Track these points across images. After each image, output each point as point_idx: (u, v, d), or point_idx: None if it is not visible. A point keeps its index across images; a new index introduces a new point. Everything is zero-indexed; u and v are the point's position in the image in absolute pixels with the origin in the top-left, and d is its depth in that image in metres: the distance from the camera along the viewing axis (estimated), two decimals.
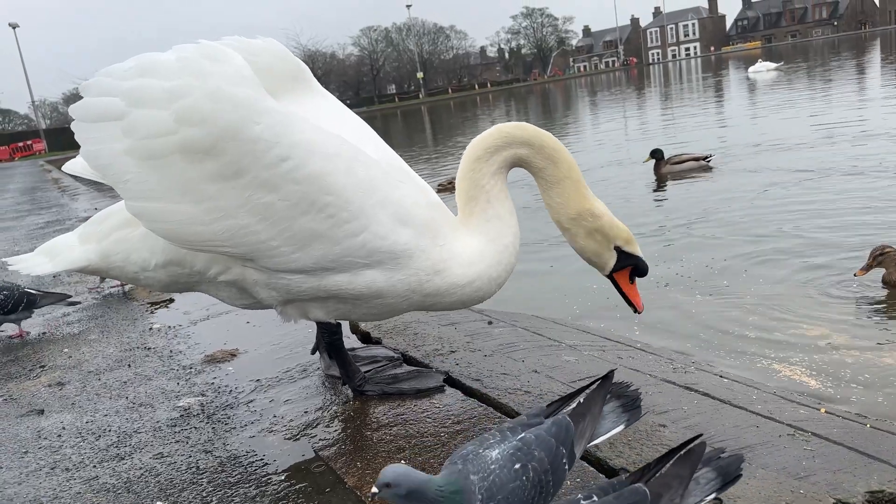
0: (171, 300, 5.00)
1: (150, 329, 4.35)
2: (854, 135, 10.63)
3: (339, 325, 2.70)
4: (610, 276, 2.62)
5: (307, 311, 2.53)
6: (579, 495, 1.43)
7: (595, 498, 1.39)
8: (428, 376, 2.88)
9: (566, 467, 1.51)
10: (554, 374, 2.93)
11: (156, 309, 4.86)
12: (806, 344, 3.62)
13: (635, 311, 2.66)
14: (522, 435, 1.52)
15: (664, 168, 10.09)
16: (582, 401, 1.67)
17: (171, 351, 3.83)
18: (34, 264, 2.63)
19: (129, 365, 3.68)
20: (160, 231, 2.26)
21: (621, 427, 1.70)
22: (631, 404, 1.75)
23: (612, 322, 4.41)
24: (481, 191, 2.50)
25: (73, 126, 2.24)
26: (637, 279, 2.61)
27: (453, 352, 3.23)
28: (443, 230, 2.47)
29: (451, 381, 2.88)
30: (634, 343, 3.70)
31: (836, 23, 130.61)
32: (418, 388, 2.80)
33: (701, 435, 1.66)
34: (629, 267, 2.58)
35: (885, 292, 4.38)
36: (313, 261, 2.29)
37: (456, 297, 2.51)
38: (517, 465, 1.47)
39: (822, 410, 2.64)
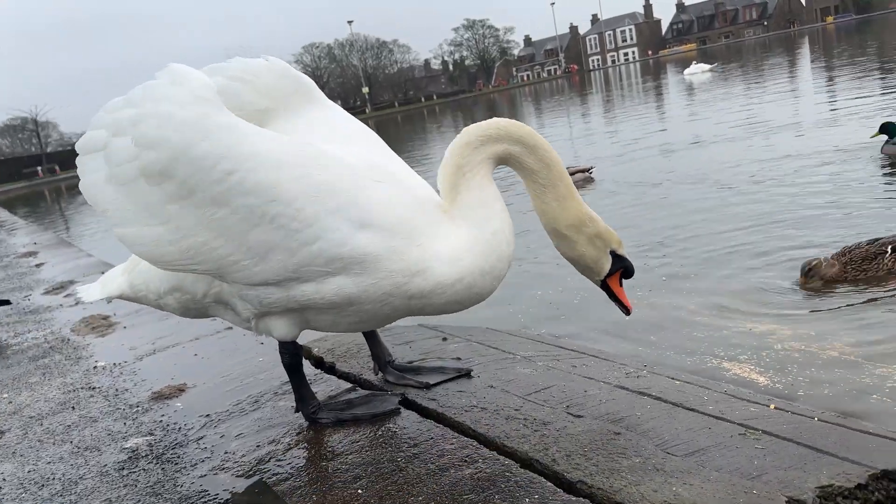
0: (112, 332, 4.85)
1: (95, 367, 4.21)
2: (790, 131, 10.97)
3: (300, 347, 2.65)
4: (602, 282, 2.61)
5: (275, 326, 2.50)
6: None
7: None
8: (383, 400, 2.84)
9: None
10: (509, 388, 2.92)
11: (100, 346, 4.70)
12: (754, 341, 3.70)
13: (627, 313, 2.64)
14: None
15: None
16: None
17: (116, 389, 3.71)
18: (89, 291, 2.90)
19: (73, 407, 3.55)
20: (139, 254, 2.41)
21: None
22: None
23: (562, 327, 4.44)
24: (464, 178, 2.42)
25: (77, 161, 2.42)
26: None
27: None
28: (422, 228, 2.35)
29: (407, 403, 2.85)
30: (588, 350, 3.72)
31: (766, 23, 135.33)
32: (373, 412, 2.75)
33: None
34: (619, 270, 2.59)
35: (820, 291, 4.51)
36: (275, 272, 2.30)
37: (447, 298, 2.39)
38: None
39: (772, 407, 2.69)
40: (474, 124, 2.45)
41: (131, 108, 2.31)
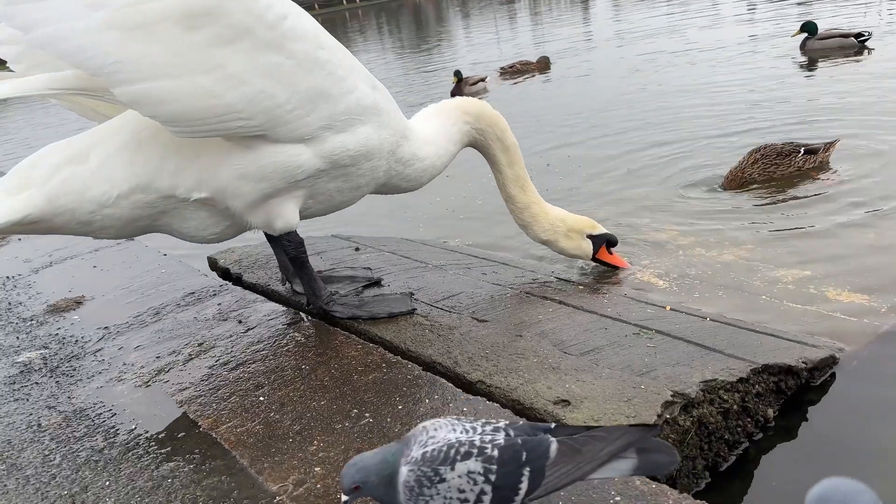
0: (6, 245, 4.58)
1: None
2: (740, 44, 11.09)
3: (302, 238, 2.57)
4: (594, 258, 3.29)
5: (280, 212, 2.40)
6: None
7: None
8: (398, 300, 2.80)
9: (521, 482, 1.28)
10: (419, 296, 2.93)
11: None
12: (658, 247, 3.81)
13: (625, 268, 3.40)
14: (494, 434, 1.33)
15: None
16: (597, 436, 1.35)
17: (9, 303, 3.53)
18: None
19: None
20: (165, 114, 2.02)
21: (631, 469, 1.35)
22: (657, 464, 1.37)
23: (477, 237, 4.46)
24: (452, 122, 2.85)
25: (3, 10, 1.87)
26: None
27: None
28: (398, 108, 2.66)
29: (313, 308, 2.82)
30: (499, 259, 3.76)
31: None
32: (391, 311, 2.71)
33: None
34: (602, 244, 3.26)
35: (726, 193, 4.67)
36: (322, 122, 2.30)
37: (413, 170, 2.72)
38: (455, 454, 1.29)
39: (667, 308, 2.80)
40: (488, 107, 2.93)
41: None
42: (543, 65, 11.44)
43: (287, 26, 2.14)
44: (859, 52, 8.35)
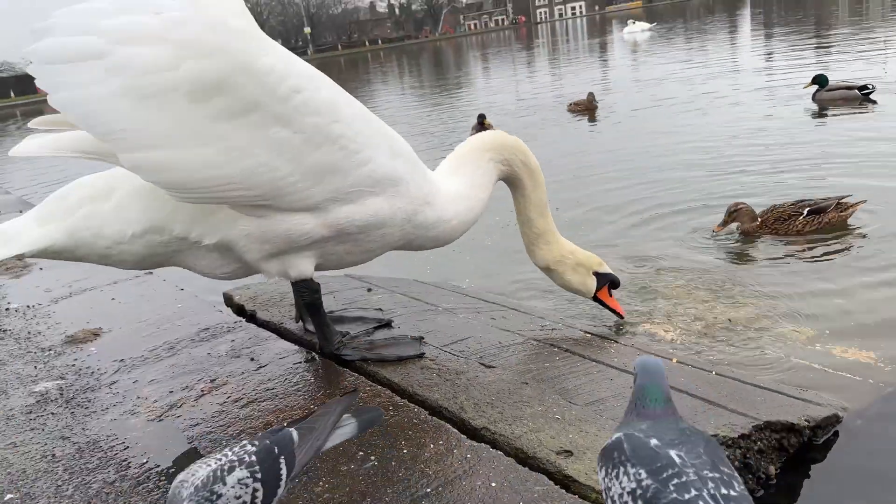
0: (28, 274, 4.69)
1: (7, 309, 4.07)
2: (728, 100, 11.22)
3: (318, 284, 2.62)
4: (594, 297, 3.28)
5: (294, 264, 2.45)
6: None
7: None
8: (407, 344, 2.84)
9: (281, 469, 1.53)
10: (428, 339, 2.98)
11: (14, 287, 4.54)
12: (665, 297, 3.85)
13: (620, 317, 3.43)
14: (246, 445, 1.55)
15: None
16: (321, 413, 1.69)
17: (28, 332, 3.61)
18: None
19: None
20: (166, 182, 2.07)
21: (353, 432, 1.71)
22: (370, 420, 1.77)
23: (487, 282, 4.52)
24: (477, 165, 2.83)
25: (35, 70, 1.96)
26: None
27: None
28: (426, 169, 2.66)
29: (324, 351, 2.87)
30: (508, 304, 3.81)
31: None
32: (400, 355, 2.75)
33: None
34: (606, 284, 3.26)
35: (740, 244, 4.72)
36: (327, 194, 2.29)
37: (437, 232, 2.70)
38: (222, 472, 1.47)
39: (674, 360, 2.83)
40: (514, 139, 2.93)
41: (148, 16, 1.99)
42: (590, 102, 11.69)
43: (300, 100, 2.12)
44: (863, 104, 8.80)
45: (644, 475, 1.27)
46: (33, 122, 2.29)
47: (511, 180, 2.99)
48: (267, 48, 2.11)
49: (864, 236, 4.52)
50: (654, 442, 1.33)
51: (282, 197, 2.21)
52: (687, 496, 1.21)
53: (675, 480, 1.24)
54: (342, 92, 2.36)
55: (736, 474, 1.29)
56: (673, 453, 1.29)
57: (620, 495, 1.29)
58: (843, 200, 4.76)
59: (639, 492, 1.25)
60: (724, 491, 1.23)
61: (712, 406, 2.35)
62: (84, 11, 2.03)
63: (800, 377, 2.88)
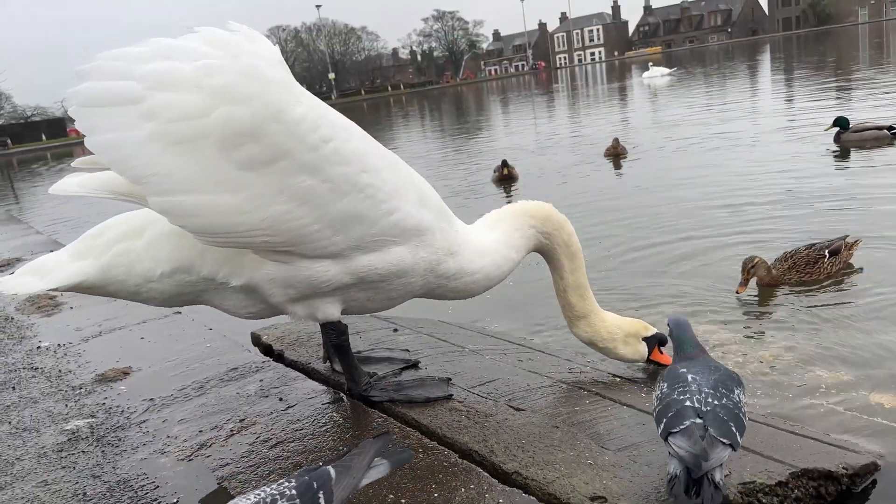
0: (59, 313, 4.76)
1: (38, 348, 4.13)
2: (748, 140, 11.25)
3: (346, 326, 2.63)
4: (648, 360, 3.20)
5: (319, 308, 2.47)
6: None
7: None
8: (435, 385, 2.83)
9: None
10: (455, 380, 2.97)
11: (45, 326, 4.61)
12: None
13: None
14: (285, 482, 1.63)
15: None
16: (356, 453, 1.77)
17: (59, 371, 3.65)
18: (20, 283, 2.33)
19: (14, 387, 3.48)
20: (192, 226, 2.10)
21: (385, 472, 1.79)
22: (400, 460, 1.84)
23: (512, 322, 4.51)
24: (517, 227, 2.83)
25: (74, 112, 2.01)
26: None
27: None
28: (454, 218, 2.68)
29: (352, 392, 2.87)
30: (535, 346, 3.79)
31: (729, 30, 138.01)
32: (427, 396, 2.74)
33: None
34: (655, 344, 3.19)
35: (763, 294, 4.66)
36: (351, 243, 2.30)
37: (460, 283, 2.69)
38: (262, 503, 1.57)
39: None
40: (558, 214, 2.91)
41: (185, 63, 2.03)
42: (615, 147, 11.71)
43: (329, 149, 2.14)
44: (891, 143, 9.04)
45: (665, 387, 2.01)
46: (76, 162, 2.36)
47: (548, 255, 2.97)
48: (301, 98, 2.14)
49: (883, 280, 4.49)
50: (681, 370, 2.04)
51: (305, 244, 2.23)
52: (682, 397, 1.92)
53: (680, 388, 1.95)
54: (373, 142, 2.38)
55: (733, 395, 1.96)
56: (689, 377, 1.99)
57: (657, 396, 2.03)
58: (846, 240, 4.77)
59: (659, 395, 2.02)
60: (709, 400, 1.91)
61: (748, 452, 2.31)
62: (124, 56, 2.08)
63: (836, 424, 2.82)
